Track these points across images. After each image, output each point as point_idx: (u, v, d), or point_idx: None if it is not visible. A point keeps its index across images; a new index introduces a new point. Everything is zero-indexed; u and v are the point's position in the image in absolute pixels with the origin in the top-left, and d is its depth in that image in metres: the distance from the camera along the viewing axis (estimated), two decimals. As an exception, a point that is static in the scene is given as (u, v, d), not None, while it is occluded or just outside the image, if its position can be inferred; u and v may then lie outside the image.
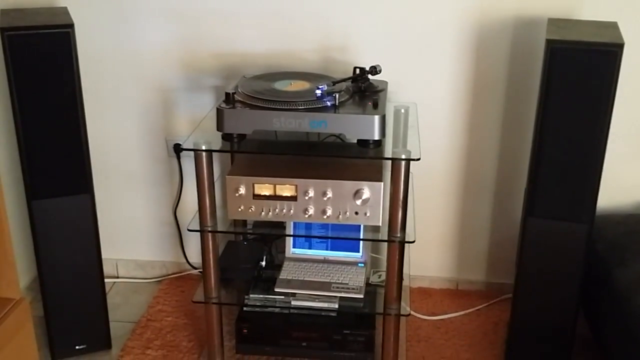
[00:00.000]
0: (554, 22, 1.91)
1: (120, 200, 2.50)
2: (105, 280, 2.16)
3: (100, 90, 2.33)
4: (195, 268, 2.58)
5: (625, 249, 1.98)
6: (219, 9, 2.20)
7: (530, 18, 2.10)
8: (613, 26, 1.86)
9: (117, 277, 2.61)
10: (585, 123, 1.75)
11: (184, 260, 2.58)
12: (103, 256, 2.12)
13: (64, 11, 1.97)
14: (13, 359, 1.65)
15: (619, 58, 1.68)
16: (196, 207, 1.90)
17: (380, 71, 1.91)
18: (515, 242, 2.24)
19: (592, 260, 2.01)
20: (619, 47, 1.67)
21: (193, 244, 2.54)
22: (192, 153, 1.84)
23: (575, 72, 1.71)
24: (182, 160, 2.41)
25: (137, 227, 2.56)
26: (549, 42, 1.71)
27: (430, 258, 2.48)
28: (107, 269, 2.34)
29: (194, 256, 2.56)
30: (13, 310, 1.63)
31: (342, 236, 1.99)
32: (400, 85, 2.20)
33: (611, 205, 2.26)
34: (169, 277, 2.59)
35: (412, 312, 2.34)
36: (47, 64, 1.84)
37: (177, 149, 2.38)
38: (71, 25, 1.83)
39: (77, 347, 2.15)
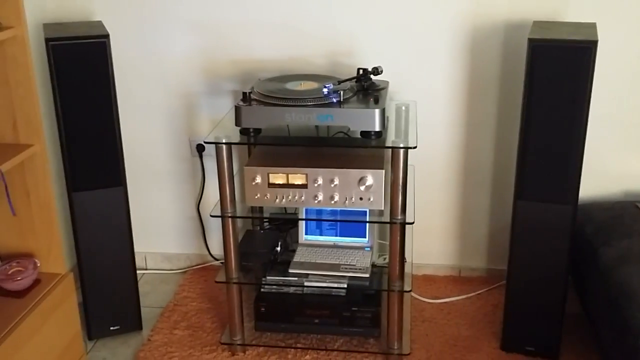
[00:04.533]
0: (538, 24, 2.11)
1: (148, 197, 2.74)
2: (135, 271, 2.37)
3: (131, 94, 2.57)
4: (217, 259, 2.79)
5: (610, 231, 2.15)
6: (236, 20, 2.44)
7: (519, 21, 2.30)
8: (591, 27, 2.05)
9: (146, 269, 2.83)
10: (565, 113, 1.94)
11: (207, 252, 2.80)
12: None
13: (99, 24, 2.22)
14: (59, 326, 1.88)
15: (594, 53, 1.87)
16: (218, 203, 2.12)
17: (381, 72, 2.13)
18: (512, 229, 2.42)
19: (581, 242, 2.19)
20: (593, 44, 1.87)
21: (215, 236, 2.76)
22: (213, 153, 2.07)
23: (555, 67, 1.90)
24: (204, 159, 2.64)
25: (164, 222, 2.78)
26: (531, 41, 1.91)
27: (434, 246, 2.67)
28: (137, 261, 2.54)
29: (216, 248, 2.78)
30: (60, 283, 1.86)
31: (349, 219, 2.19)
32: (401, 85, 2.41)
33: (600, 192, 2.44)
34: (193, 268, 2.81)
35: (417, 296, 2.53)
36: (86, 70, 2.07)
37: (200, 148, 2.61)
38: (107, 36, 2.07)
39: (111, 328, 2.37)
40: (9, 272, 1.94)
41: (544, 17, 2.27)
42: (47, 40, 2.02)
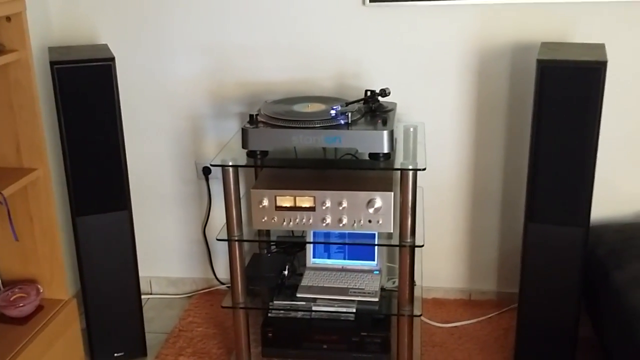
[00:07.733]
0: (546, 45, 2.09)
1: (153, 220, 2.71)
2: (140, 296, 2.33)
3: (137, 118, 2.56)
4: (223, 284, 2.76)
5: (622, 253, 2.11)
6: (242, 43, 2.43)
7: (526, 43, 2.29)
8: (600, 47, 2.04)
9: (151, 294, 2.79)
10: (576, 134, 1.91)
11: (213, 277, 2.76)
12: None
13: (105, 47, 2.21)
14: (62, 354, 1.84)
15: (604, 74, 1.85)
16: (224, 226, 2.09)
17: (389, 93, 2.11)
18: (522, 251, 2.39)
19: (593, 264, 2.15)
20: (603, 64, 1.85)
21: (221, 260, 2.73)
22: (219, 175, 2.05)
23: (564, 88, 1.88)
24: (210, 182, 2.62)
25: (169, 246, 2.75)
26: (540, 62, 1.90)
27: (443, 270, 2.63)
28: (141, 285, 2.50)
29: (222, 272, 2.74)
30: (63, 309, 1.83)
31: (357, 242, 2.15)
32: (410, 107, 2.39)
33: (612, 214, 2.40)
34: (199, 292, 2.77)
35: (427, 320, 2.49)
36: (91, 93, 2.05)
37: (206, 171, 2.59)
38: (112, 59, 2.06)
39: (115, 355, 2.33)
40: (11, 299, 1.92)
41: (551, 38, 2.26)
42: (52, 63, 2.00)
